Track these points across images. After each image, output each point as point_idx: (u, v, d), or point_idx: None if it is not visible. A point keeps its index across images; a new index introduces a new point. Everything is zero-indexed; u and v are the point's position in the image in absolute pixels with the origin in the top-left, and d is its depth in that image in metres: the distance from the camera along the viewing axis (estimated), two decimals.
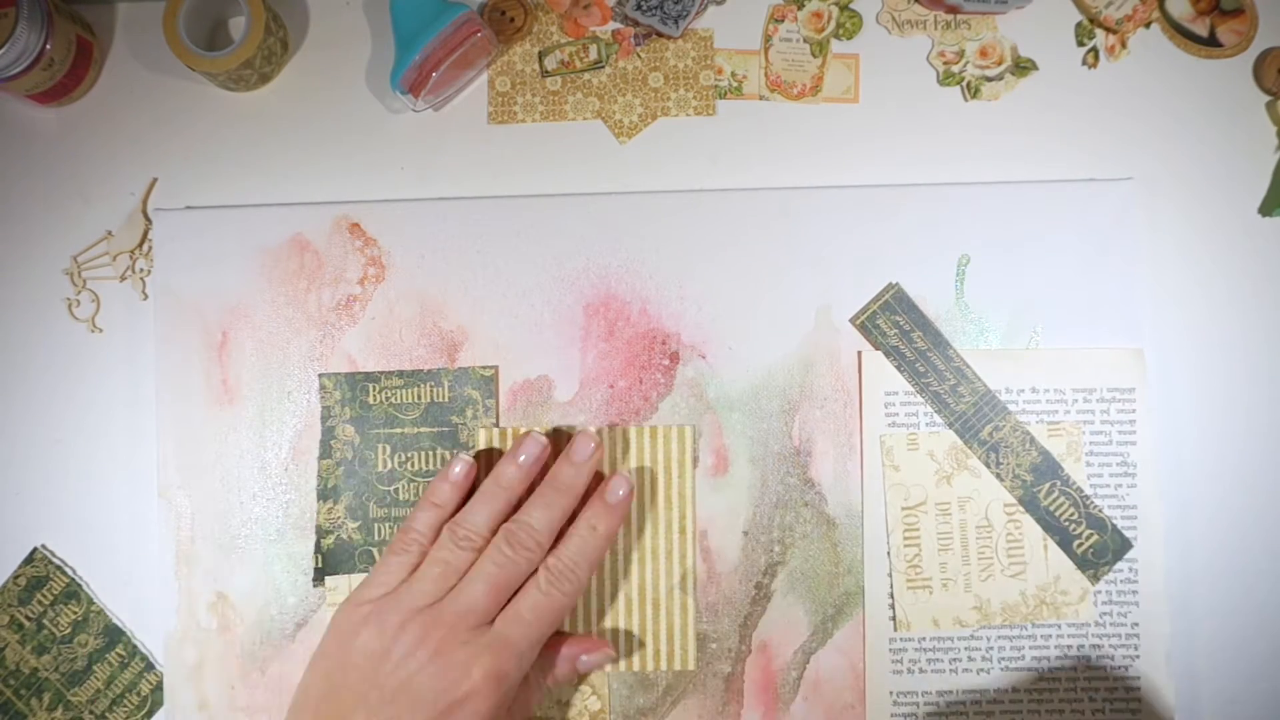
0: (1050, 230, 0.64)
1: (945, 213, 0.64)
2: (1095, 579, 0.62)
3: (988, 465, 0.63)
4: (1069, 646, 0.62)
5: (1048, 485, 0.63)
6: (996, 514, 0.63)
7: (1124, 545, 0.62)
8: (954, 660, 0.62)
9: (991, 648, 0.62)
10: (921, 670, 0.62)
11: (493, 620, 0.55)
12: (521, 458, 0.59)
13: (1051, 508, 0.63)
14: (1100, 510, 0.63)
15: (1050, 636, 0.62)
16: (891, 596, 0.63)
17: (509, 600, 0.56)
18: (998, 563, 0.63)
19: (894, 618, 0.62)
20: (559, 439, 0.63)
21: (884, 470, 0.63)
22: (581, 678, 0.61)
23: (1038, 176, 0.65)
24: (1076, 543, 0.62)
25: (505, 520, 0.58)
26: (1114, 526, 0.62)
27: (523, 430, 0.63)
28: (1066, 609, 0.62)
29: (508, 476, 0.59)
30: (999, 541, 0.63)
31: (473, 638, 0.54)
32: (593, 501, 0.59)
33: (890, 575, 0.63)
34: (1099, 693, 0.62)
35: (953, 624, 0.62)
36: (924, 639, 0.62)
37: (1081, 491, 0.63)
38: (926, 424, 0.63)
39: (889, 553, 0.63)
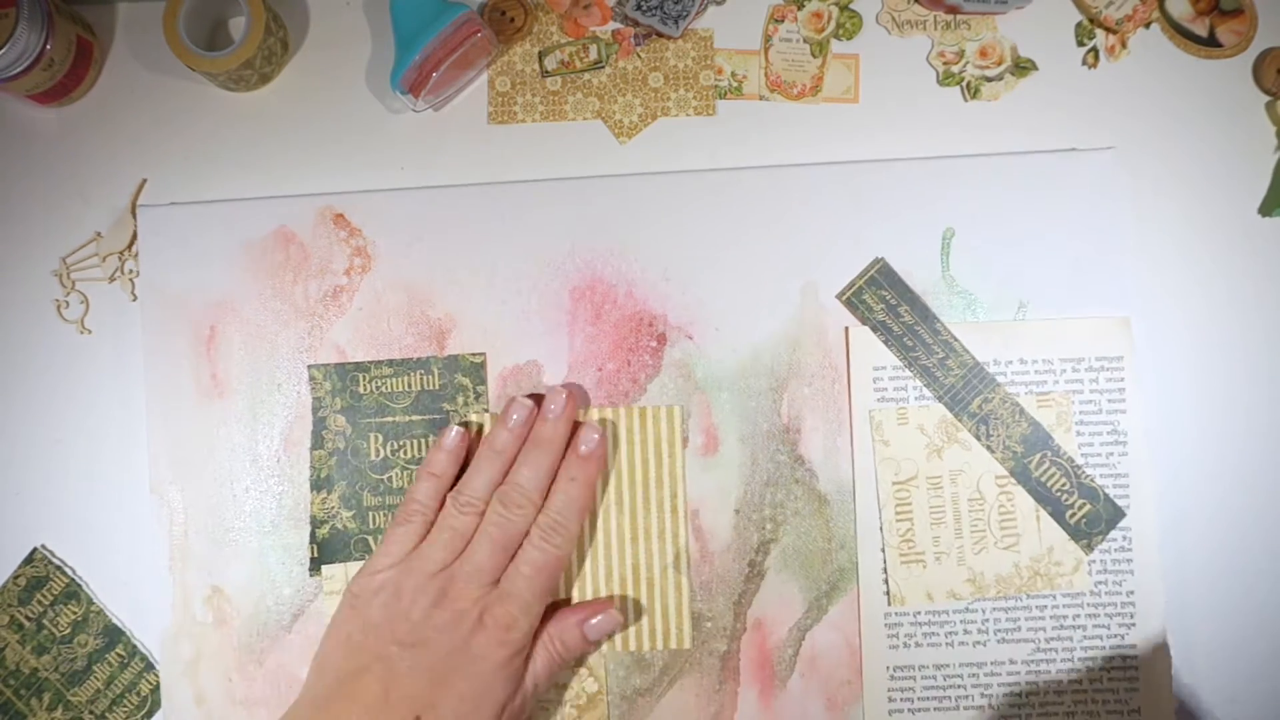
0: (1034, 201, 0.64)
1: (929, 187, 0.65)
2: (1089, 549, 0.62)
3: (978, 438, 0.63)
4: (1064, 617, 0.62)
5: (1038, 456, 0.63)
6: (988, 486, 0.63)
7: (1116, 514, 0.62)
8: (950, 634, 0.62)
9: (987, 620, 0.62)
10: (918, 644, 0.62)
11: (498, 580, 0.59)
12: (511, 421, 0.61)
13: (1043, 479, 0.63)
14: (1092, 480, 0.63)
15: (1045, 607, 0.62)
16: (885, 571, 0.63)
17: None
18: (990, 535, 0.62)
19: (888, 593, 0.62)
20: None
21: (874, 445, 0.63)
22: (593, 646, 0.61)
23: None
24: (1069, 513, 0.62)
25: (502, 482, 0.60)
26: (1106, 496, 0.62)
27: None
28: (1060, 579, 0.62)
29: (501, 441, 0.61)
30: (991, 514, 0.63)
31: (483, 594, 0.58)
32: (568, 456, 0.61)
33: (883, 550, 0.63)
34: (1096, 662, 0.62)
35: (947, 597, 0.62)
36: (919, 613, 0.62)
37: (1073, 461, 0.63)
38: (916, 398, 0.63)
39: (881, 528, 0.63)
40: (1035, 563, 0.62)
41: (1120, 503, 0.63)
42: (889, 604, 0.62)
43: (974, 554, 0.62)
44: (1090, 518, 0.62)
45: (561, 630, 0.60)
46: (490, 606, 0.57)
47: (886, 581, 0.63)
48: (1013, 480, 0.63)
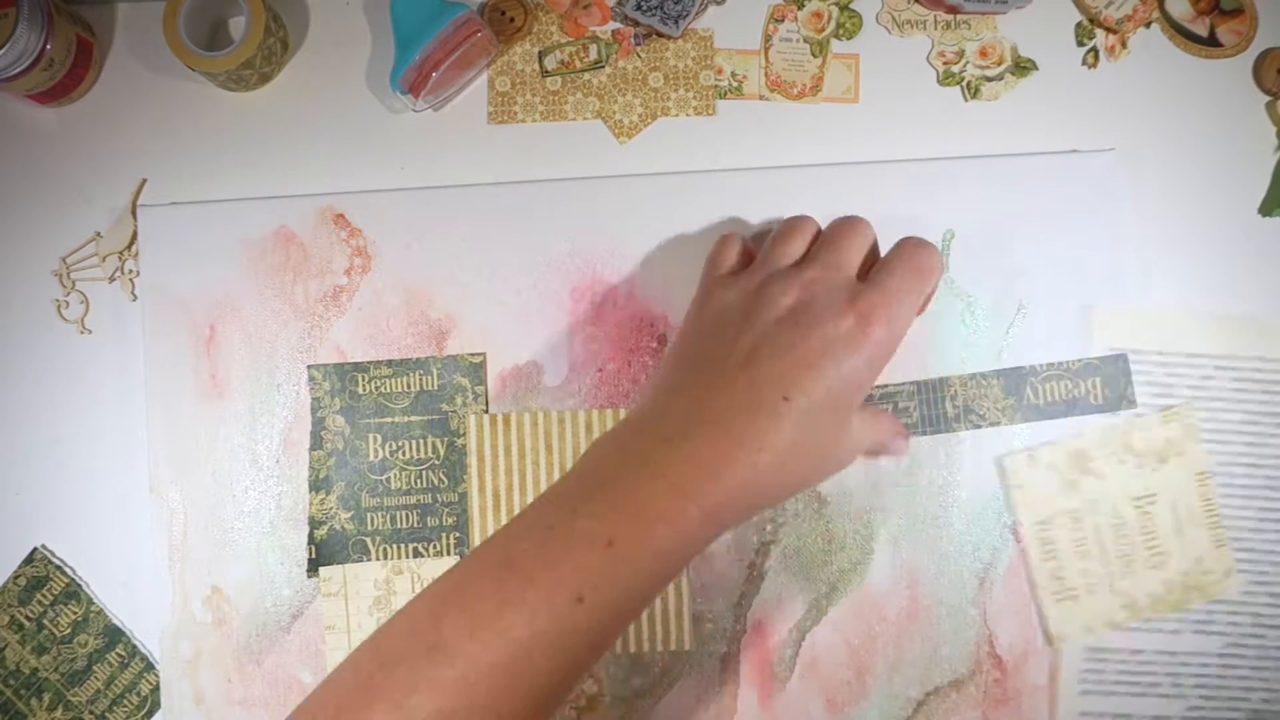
0: (1035, 203, 0.64)
1: (929, 187, 0.64)
2: (1133, 404, 0.61)
3: (978, 426, 0.62)
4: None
5: (1029, 388, 0.62)
6: (1126, 509, 0.62)
7: (1123, 365, 0.61)
8: (1153, 684, 0.62)
9: (1178, 667, 0.62)
10: (1114, 692, 0.62)
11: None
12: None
13: (1051, 399, 0.62)
14: (1080, 361, 0.62)
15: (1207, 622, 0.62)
16: (1040, 613, 0.62)
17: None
18: (1137, 557, 0.62)
19: (1046, 632, 0.62)
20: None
21: (1007, 491, 0.63)
22: (886, 449, 0.58)
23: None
24: (1092, 399, 0.61)
25: None
26: (1101, 358, 0.61)
27: (512, 413, 0.63)
28: (1213, 588, 0.61)
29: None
30: (1134, 536, 0.62)
31: (849, 287, 0.53)
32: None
33: (1034, 591, 0.62)
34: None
35: (1106, 628, 0.61)
36: (1110, 652, 0.62)
37: (1053, 364, 0.62)
38: None
39: (1030, 570, 0.62)
40: (1185, 576, 0.62)
41: None
42: (1048, 642, 0.62)
43: (1123, 579, 0.62)
44: (1105, 385, 0.62)
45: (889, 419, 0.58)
46: (864, 294, 0.52)
47: (1044, 622, 0.62)
48: (1149, 502, 0.62)
